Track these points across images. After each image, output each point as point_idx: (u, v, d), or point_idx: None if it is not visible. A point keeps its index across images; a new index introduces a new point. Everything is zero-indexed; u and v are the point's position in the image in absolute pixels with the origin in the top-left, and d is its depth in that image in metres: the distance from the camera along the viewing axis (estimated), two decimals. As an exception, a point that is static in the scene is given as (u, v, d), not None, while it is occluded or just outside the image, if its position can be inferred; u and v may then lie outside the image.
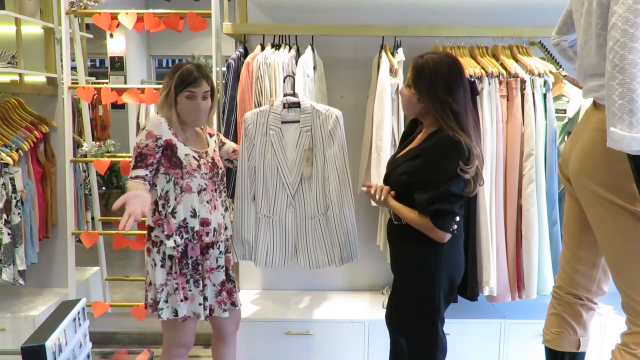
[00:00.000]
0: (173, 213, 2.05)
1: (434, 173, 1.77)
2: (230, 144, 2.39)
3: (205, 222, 2.10)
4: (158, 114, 2.09)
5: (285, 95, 2.35)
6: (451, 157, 1.75)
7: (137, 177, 2.00)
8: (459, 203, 1.79)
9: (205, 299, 2.12)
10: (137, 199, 1.89)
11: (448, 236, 1.81)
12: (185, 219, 2.06)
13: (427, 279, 1.89)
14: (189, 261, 2.08)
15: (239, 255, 2.42)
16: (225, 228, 2.21)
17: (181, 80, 2.03)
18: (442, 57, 1.80)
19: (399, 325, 2.09)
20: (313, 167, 2.36)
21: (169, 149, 2.04)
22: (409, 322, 1.98)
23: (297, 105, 2.34)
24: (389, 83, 2.51)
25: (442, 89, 1.76)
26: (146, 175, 2.02)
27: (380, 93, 2.54)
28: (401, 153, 1.99)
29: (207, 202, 2.11)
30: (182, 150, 2.06)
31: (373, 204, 2.57)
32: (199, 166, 2.08)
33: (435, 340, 1.93)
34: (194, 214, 2.08)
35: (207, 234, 2.11)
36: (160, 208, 2.06)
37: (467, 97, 1.81)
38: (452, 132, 1.76)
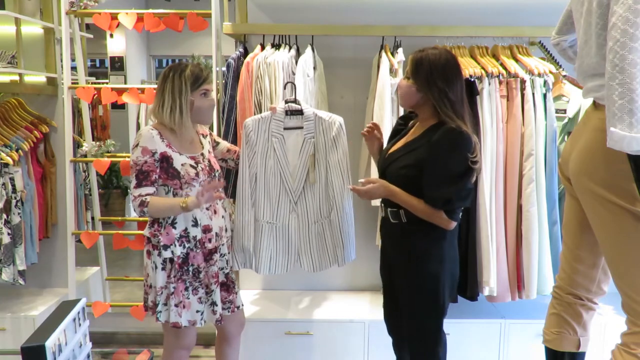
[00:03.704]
0: (173, 224, 2.03)
1: (446, 167, 1.80)
2: (224, 144, 2.37)
3: (207, 229, 2.08)
4: (151, 125, 2.06)
5: (287, 102, 2.34)
6: (460, 149, 1.79)
7: (146, 194, 1.97)
8: (470, 196, 1.86)
9: (213, 303, 2.11)
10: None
11: (455, 224, 1.88)
12: (186, 229, 2.05)
13: (432, 275, 1.91)
14: (190, 268, 2.07)
15: (240, 263, 2.40)
16: (226, 230, 2.20)
17: (196, 78, 2.02)
18: (441, 51, 1.87)
19: (400, 325, 2.09)
20: (316, 173, 2.37)
21: (164, 161, 2.01)
22: (412, 321, 1.98)
23: (300, 112, 2.34)
24: (389, 83, 2.52)
25: (440, 78, 1.82)
26: (153, 192, 2.00)
27: (380, 93, 2.54)
28: (395, 148, 2.00)
29: (207, 208, 2.10)
30: (179, 160, 2.03)
31: (373, 203, 2.58)
32: (197, 174, 2.05)
33: (438, 337, 1.96)
34: (195, 223, 2.06)
35: (210, 240, 2.10)
36: (161, 219, 2.04)
37: (463, 91, 1.87)
38: (452, 122, 1.80)
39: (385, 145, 2.15)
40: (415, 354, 2.01)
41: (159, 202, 1.99)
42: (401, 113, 2.53)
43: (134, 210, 2.00)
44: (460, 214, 1.88)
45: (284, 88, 2.44)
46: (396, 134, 2.09)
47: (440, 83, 1.81)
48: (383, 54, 2.61)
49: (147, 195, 1.97)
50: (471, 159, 1.78)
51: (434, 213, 1.83)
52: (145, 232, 2.08)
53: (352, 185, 2.00)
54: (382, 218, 2.07)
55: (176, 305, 2.04)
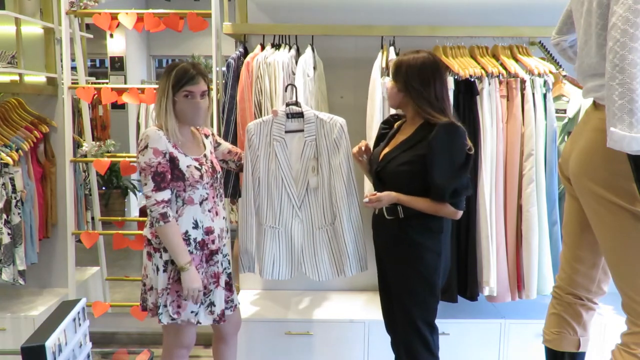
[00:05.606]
0: None
1: (450, 161, 1.89)
2: (225, 145, 2.35)
3: (209, 231, 2.08)
4: (155, 125, 2.03)
5: (287, 104, 2.32)
6: (458, 141, 1.90)
7: (163, 201, 1.94)
8: (470, 185, 1.97)
9: (211, 304, 2.10)
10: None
11: (461, 213, 1.98)
12: (187, 232, 2.03)
13: (429, 266, 1.97)
14: None
15: (245, 267, 2.39)
16: (227, 231, 2.20)
17: (178, 79, 1.97)
18: (419, 55, 1.98)
19: (396, 322, 2.11)
20: (319, 177, 2.34)
21: (171, 162, 1.99)
22: (407, 313, 2.02)
23: (301, 115, 2.31)
24: (379, 82, 2.52)
25: (415, 80, 1.95)
26: (169, 199, 1.98)
27: (370, 92, 2.57)
28: (389, 148, 2.05)
29: (209, 210, 2.09)
30: (184, 162, 2.01)
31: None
32: (201, 176, 2.04)
33: (432, 328, 2.03)
34: (195, 226, 2.04)
35: (213, 241, 2.09)
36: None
37: (444, 88, 1.98)
38: (436, 118, 1.91)
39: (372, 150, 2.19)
40: (409, 346, 2.03)
41: (174, 235, 1.97)
42: (392, 112, 2.54)
43: (151, 212, 1.96)
44: (464, 202, 1.97)
45: (285, 90, 2.42)
46: (382, 137, 2.16)
47: (415, 84, 1.94)
48: (379, 54, 2.62)
49: (168, 202, 1.96)
50: (467, 147, 1.91)
51: (441, 206, 1.93)
52: (146, 232, 2.07)
53: (367, 200, 2.01)
54: (374, 215, 2.13)
55: (171, 303, 2.04)
